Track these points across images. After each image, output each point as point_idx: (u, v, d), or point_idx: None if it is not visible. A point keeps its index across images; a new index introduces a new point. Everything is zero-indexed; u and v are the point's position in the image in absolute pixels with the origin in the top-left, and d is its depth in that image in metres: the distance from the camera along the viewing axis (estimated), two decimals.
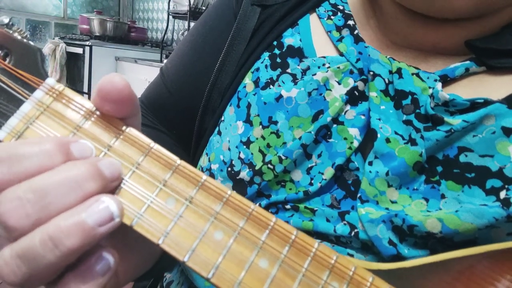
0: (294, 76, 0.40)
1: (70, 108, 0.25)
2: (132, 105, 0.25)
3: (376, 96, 0.35)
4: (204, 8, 2.83)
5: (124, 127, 0.25)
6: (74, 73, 3.22)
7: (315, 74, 0.38)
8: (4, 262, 0.21)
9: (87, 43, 3.07)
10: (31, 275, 0.21)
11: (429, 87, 0.35)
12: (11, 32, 0.26)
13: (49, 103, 0.25)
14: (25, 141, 0.23)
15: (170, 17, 3.21)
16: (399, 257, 0.31)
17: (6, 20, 0.27)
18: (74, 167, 0.22)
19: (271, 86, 0.40)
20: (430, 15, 0.35)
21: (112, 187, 0.23)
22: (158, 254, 0.33)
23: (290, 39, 0.43)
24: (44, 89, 0.25)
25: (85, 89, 3.11)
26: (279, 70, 0.41)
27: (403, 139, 0.34)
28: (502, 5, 0.33)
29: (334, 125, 0.37)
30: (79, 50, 3.10)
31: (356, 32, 0.40)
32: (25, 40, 0.26)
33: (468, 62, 0.35)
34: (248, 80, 0.42)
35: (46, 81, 0.25)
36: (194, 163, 0.46)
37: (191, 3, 2.80)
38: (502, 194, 0.29)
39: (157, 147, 0.25)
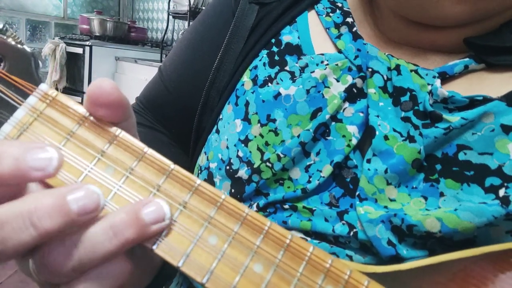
0: (292, 73, 0.40)
1: (64, 114, 0.25)
2: (123, 108, 0.25)
3: (375, 93, 0.35)
4: (204, 8, 2.82)
5: (117, 132, 0.25)
6: (74, 73, 3.23)
7: (313, 72, 0.38)
8: (62, 251, 0.22)
9: (87, 43, 3.07)
10: (81, 262, 0.22)
11: (428, 84, 0.34)
12: (5, 37, 0.26)
13: (43, 109, 0.25)
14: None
15: (170, 17, 3.21)
16: (397, 258, 0.31)
17: (0, 26, 0.27)
18: (32, 201, 0.21)
19: (269, 84, 0.40)
20: (425, 23, 0.35)
21: (87, 221, 0.22)
22: (159, 264, 0.33)
23: (288, 36, 0.42)
24: (38, 95, 0.25)
25: (85, 89, 3.11)
26: (277, 67, 0.41)
27: (402, 136, 0.34)
28: (499, 11, 0.33)
29: (333, 123, 0.36)
30: (79, 50, 3.10)
31: (354, 29, 0.40)
32: (19, 46, 0.26)
33: (467, 59, 0.34)
34: (246, 78, 0.42)
35: (40, 87, 0.25)
36: (193, 162, 0.46)
37: (191, 3, 2.80)
38: (501, 192, 0.29)
39: (150, 151, 0.25)
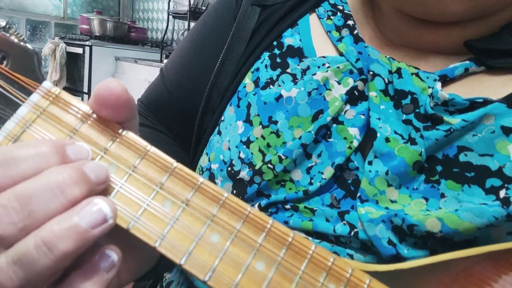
0: (294, 76, 0.40)
1: (67, 111, 0.25)
2: (130, 110, 0.25)
3: (376, 96, 0.35)
4: (204, 8, 2.82)
5: (120, 130, 0.25)
6: (74, 73, 3.22)
7: (315, 74, 0.38)
8: (1, 269, 0.21)
9: (87, 43, 3.07)
10: (28, 279, 0.21)
11: (429, 87, 0.35)
12: (8, 35, 0.26)
13: (46, 107, 0.25)
14: (21, 143, 0.23)
15: (170, 17, 3.21)
16: (398, 257, 0.31)
17: (3, 23, 0.27)
18: (57, 173, 0.22)
19: (271, 86, 0.40)
20: (427, 19, 0.35)
21: (99, 190, 0.23)
22: (158, 254, 0.33)
23: (290, 39, 0.43)
24: (41, 93, 0.25)
25: (85, 89, 3.11)
26: (279, 70, 0.41)
27: (403, 138, 0.34)
28: (498, 7, 0.33)
29: (334, 125, 0.37)
30: (79, 50, 3.10)
31: (355, 32, 0.40)
32: (22, 43, 0.26)
33: (467, 62, 0.35)
34: (248, 80, 0.42)
35: (43, 84, 0.25)
36: (194, 163, 0.46)
37: (191, 3, 2.80)
38: (502, 193, 0.29)
39: (153, 150, 0.25)
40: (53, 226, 0.21)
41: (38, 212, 0.21)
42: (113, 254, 0.24)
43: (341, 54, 0.40)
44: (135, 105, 0.26)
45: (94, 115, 0.25)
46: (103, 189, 0.23)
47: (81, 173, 0.22)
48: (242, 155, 0.38)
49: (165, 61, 2.96)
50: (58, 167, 0.22)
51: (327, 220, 0.34)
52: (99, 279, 0.23)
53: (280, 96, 0.38)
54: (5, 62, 0.25)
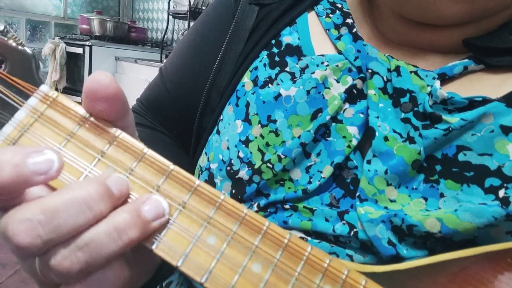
0: (292, 74, 0.40)
1: (64, 115, 0.25)
2: (120, 102, 0.25)
3: (375, 94, 0.35)
4: (204, 8, 2.82)
5: (117, 133, 0.25)
6: (74, 73, 3.22)
7: (313, 73, 0.38)
8: (64, 257, 0.22)
9: (87, 43, 3.07)
10: (87, 264, 0.22)
11: (428, 85, 0.34)
12: (6, 39, 0.26)
13: (43, 110, 0.25)
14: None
15: (170, 17, 3.20)
16: (398, 257, 0.31)
17: (1, 27, 0.27)
18: (83, 187, 0.22)
19: (269, 85, 0.40)
20: (424, 22, 0.35)
21: (120, 202, 0.24)
22: (159, 261, 0.33)
23: (288, 37, 0.43)
24: (39, 96, 0.25)
25: None
26: (277, 68, 0.41)
27: (401, 137, 0.34)
28: (496, 10, 0.33)
29: (333, 124, 0.37)
30: (79, 50, 3.10)
31: (354, 30, 0.40)
32: (20, 47, 0.26)
33: (466, 60, 0.35)
34: (246, 79, 0.42)
35: (40, 88, 0.25)
36: (194, 163, 0.46)
37: (191, 3, 2.79)
38: (501, 193, 0.29)
39: (150, 152, 0.25)
40: (124, 214, 0.23)
41: (64, 226, 0.21)
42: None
43: (339, 52, 0.40)
44: (125, 99, 0.26)
45: (92, 119, 0.25)
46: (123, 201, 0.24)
47: (106, 188, 0.23)
48: (241, 155, 0.38)
49: (165, 61, 2.94)
50: (83, 182, 0.23)
51: (327, 220, 0.34)
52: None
53: (279, 95, 0.38)
54: (3, 66, 0.26)
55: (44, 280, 0.24)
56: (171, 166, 0.25)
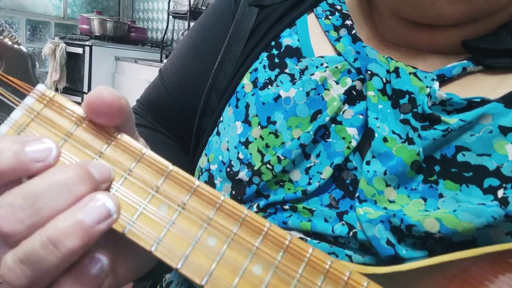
0: (292, 76, 0.40)
1: (61, 115, 0.25)
2: (123, 116, 0.25)
3: (374, 96, 0.35)
4: (204, 8, 2.82)
5: (115, 133, 0.25)
6: (74, 73, 3.23)
7: (313, 74, 0.38)
8: (8, 268, 0.21)
9: (87, 43, 3.07)
10: (35, 277, 0.21)
11: (426, 87, 0.35)
12: (1, 38, 0.26)
13: (40, 110, 0.24)
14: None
15: (170, 17, 3.21)
16: (397, 258, 0.31)
17: None
18: (63, 171, 0.22)
19: (269, 86, 0.40)
20: (423, 23, 0.35)
21: (102, 189, 0.23)
22: (150, 261, 0.33)
23: (288, 39, 0.43)
24: (35, 96, 0.25)
25: (85, 89, 3.12)
26: (277, 70, 0.41)
27: (401, 138, 0.34)
28: (494, 10, 0.33)
29: (333, 125, 0.37)
30: (79, 50, 3.10)
31: (354, 31, 0.40)
32: (16, 46, 0.26)
33: (465, 61, 0.35)
34: (246, 81, 0.42)
35: (37, 87, 0.25)
36: (194, 164, 0.46)
37: (191, 3, 2.80)
38: (500, 193, 0.29)
39: (149, 153, 0.25)
40: (58, 223, 0.21)
41: (45, 210, 0.21)
42: (103, 258, 0.23)
43: (339, 54, 0.40)
44: (129, 109, 0.26)
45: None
46: (107, 187, 0.24)
47: (86, 171, 0.22)
48: (241, 156, 0.38)
49: (165, 61, 2.95)
50: (64, 166, 0.23)
51: (326, 221, 0.34)
52: (89, 284, 0.23)
53: (279, 96, 0.38)
54: None
55: None
56: (170, 166, 0.25)
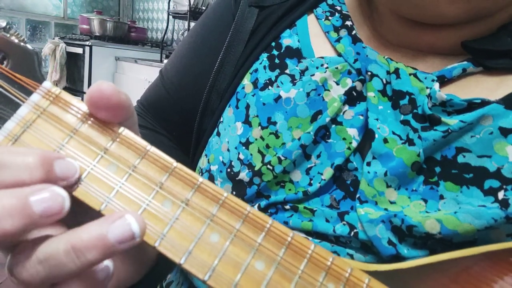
0: (292, 76, 0.40)
1: (67, 111, 0.25)
2: (124, 110, 0.25)
3: (374, 96, 0.36)
4: (204, 8, 2.83)
5: (120, 130, 0.25)
6: (74, 73, 3.23)
7: (313, 75, 0.38)
8: (24, 266, 0.22)
9: (87, 43, 3.07)
10: (47, 279, 0.22)
11: (427, 87, 0.35)
12: (8, 35, 0.26)
13: (46, 107, 0.25)
14: (12, 149, 0.22)
15: (170, 17, 3.21)
16: (398, 257, 0.31)
17: (3, 24, 0.27)
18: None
19: (269, 87, 0.40)
20: (423, 22, 0.35)
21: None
22: (155, 257, 0.33)
23: (288, 40, 0.43)
24: (41, 93, 0.25)
25: (85, 89, 3.11)
26: (277, 71, 0.41)
27: (401, 139, 0.34)
28: (494, 10, 0.33)
29: (333, 126, 0.37)
30: (79, 50, 3.10)
31: (354, 32, 0.40)
32: (22, 44, 0.26)
33: (465, 62, 0.35)
34: (246, 81, 0.42)
35: (43, 84, 0.25)
36: (194, 164, 0.46)
37: (191, 3, 2.80)
38: (500, 195, 0.29)
39: (153, 149, 0.25)
40: (83, 234, 0.21)
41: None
42: (110, 264, 0.24)
43: (339, 55, 0.40)
44: (130, 105, 0.26)
45: None
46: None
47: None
48: (242, 156, 0.38)
49: (165, 61, 2.96)
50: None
51: (327, 221, 0.34)
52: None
53: (279, 97, 0.38)
54: (5, 63, 0.26)
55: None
56: (174, 163, 0.25)
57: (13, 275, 0.22)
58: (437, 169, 0.32)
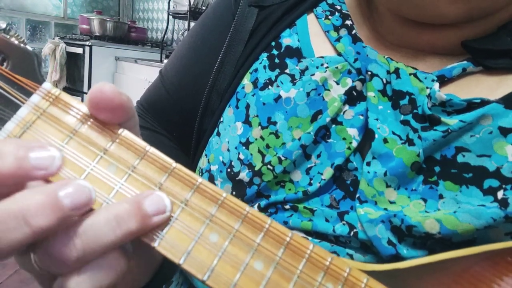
0: (292, 76, 0.40)
1: (67, 113, 0.25)
2: (125, 111, 0.25)
3: (374, 96, 0.36)
4: (204, 8, 2.83)
5: (120, 131, 0.25)
6: (74, 73, 3.23)
7: (313, 74, 0.38)
8: (63, 241, 0.22)
9: (87, 43, 3.07)
10: (86, 253, 0.22)
11: (427, 87, 0.35)
12: (8, 37, 0.26)
13: (46, 108, 0.25)
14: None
15: (170, 17, 3.21)
16: (398, 257, 0.31)
17: (3, 25, 0.27)
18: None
19: (269, 87, 0.40)
20: (423, 22, 0.35)
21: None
22: (160, 258, 0.33)
23: (288, 39, 0.43)
24: (41, 94, 0.25)
25: (85, 89, 3.12)
26: (277, 70, 0.41)
27: (401, 139, 0.34)
28: (494, 10, 0.33)
29: (333, 125, 0.37)
30: (79, 50, 3.10)
31: (354, 32, 0.40)
32: (22, 45, 0.26)
33: (465, 62, 0.35)
34: (246, 81, 0.42)
35: (43, 85, 0.25)
36: (194, 165, 0.47)
37: (191, 3, 2.80)
38: (500, 194, 0.29)
39: (152, 150, 0.25)
40: (122, 206, 0.23)
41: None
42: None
43: (339, 54, 0.40)
44: (131, 106, 0.26)
45: None
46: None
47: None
48: (242, 156, 0.38)
49: (165, 61, 2.96)
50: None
51: (327, 220, 0.34)
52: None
53: (279, 96, 0.38)
54: (5, 64, 0.26)
55: (39, 272, 0.24)
56: (174, 164, 0.25)
57: (47, 257, 0.22)
58: (437, 169, 0.32)
